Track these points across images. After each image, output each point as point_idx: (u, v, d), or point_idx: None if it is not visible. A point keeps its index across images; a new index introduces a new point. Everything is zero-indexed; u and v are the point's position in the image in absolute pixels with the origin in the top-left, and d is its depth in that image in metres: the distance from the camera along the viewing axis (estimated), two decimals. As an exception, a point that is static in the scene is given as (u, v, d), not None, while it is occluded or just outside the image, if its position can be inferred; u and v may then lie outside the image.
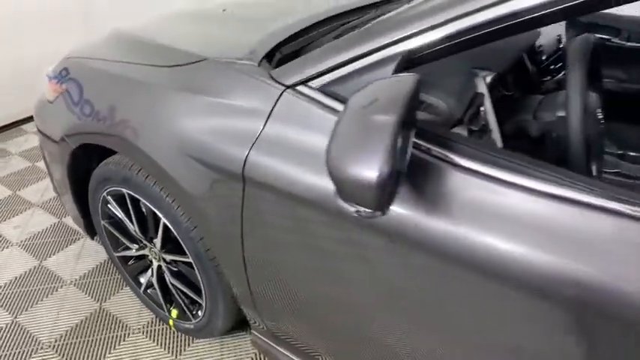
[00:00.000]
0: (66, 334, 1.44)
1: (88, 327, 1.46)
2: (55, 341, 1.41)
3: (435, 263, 0.69)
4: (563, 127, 0.87)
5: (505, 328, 0.69)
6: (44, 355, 1.38)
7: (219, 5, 1.64)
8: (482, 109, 0.88)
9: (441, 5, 0.69)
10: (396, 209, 0.68)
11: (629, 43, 1.86)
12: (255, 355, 1.37)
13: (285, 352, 1.19)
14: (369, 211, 0.53)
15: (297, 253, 0.92)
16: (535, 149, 0.97)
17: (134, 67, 1.15)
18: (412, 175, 0.68)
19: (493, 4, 0.63)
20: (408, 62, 0.72)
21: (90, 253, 1.78)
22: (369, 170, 0.50)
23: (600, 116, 0.97)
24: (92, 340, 1.41)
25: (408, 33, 0.70)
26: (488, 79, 0.89)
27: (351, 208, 0.54)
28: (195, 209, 1.05)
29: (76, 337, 1.43)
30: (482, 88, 0.88)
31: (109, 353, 1.38)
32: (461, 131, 0.85)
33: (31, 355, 1.39)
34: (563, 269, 0.59)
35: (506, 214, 0.63)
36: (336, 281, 0.87)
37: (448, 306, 0.73)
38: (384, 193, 0.52)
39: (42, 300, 1.57)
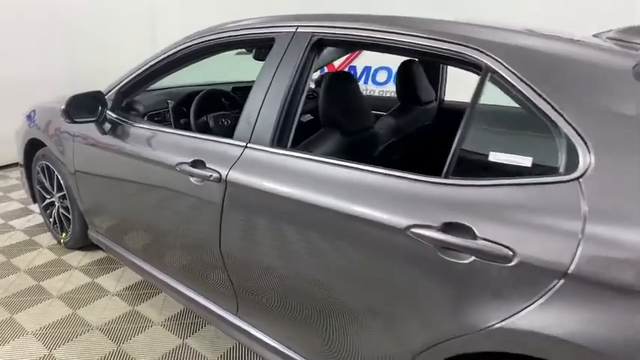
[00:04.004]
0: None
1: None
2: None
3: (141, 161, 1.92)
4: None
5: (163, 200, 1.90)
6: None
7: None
8: (167, 113, 2.23)
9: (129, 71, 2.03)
10: (120, 143, 1.96)
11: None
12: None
13: (112, 241, 2.33)
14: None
15: (98, 178, 2.16)
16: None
17: (56, 104, 2.55)
18: (119, 129, 1.96)
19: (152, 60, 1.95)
20: (123, 92, 2.05)
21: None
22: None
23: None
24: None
25: (122, 80, 2.04)
26: (172, 104, 2.23)
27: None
28: (63, 163, 2.34)
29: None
30: (170, 107, 2.22)
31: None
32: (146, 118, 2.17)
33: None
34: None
35: (156, 140, 1.87)
36: (118, 189, 2.06)
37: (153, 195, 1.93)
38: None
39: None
